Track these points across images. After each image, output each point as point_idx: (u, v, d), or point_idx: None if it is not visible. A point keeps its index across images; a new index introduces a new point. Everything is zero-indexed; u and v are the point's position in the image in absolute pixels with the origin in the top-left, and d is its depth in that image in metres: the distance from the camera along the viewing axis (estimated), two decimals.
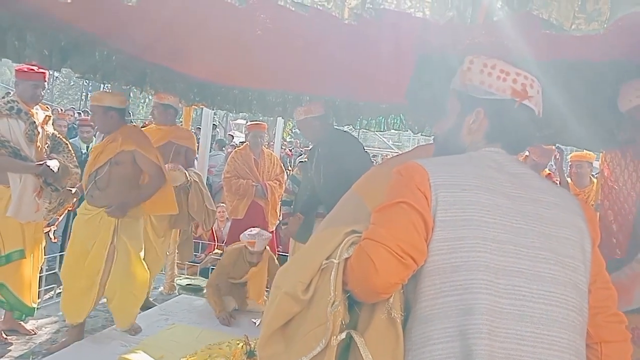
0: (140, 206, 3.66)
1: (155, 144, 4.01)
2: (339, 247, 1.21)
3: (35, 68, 3.42)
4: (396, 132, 5.61)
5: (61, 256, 4.85)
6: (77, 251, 3.48)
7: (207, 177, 6.71)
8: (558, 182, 4.58)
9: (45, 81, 3.58)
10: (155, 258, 4.36)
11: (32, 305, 3.57)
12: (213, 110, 5.27)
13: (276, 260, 4.57)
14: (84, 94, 27.22)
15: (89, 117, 5.30)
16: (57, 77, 27.32)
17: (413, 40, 2.13)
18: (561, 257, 1.17)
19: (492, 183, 1.19)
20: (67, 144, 3.80)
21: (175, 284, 5.08)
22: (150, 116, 4.23)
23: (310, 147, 4.22)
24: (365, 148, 3.97)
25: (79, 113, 11.16)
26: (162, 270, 4.85)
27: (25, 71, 3.43)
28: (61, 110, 9.21)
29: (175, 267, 5.11)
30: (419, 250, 1.13)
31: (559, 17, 1.23)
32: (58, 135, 3.77)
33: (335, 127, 4.13)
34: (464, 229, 1.13)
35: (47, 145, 3.60)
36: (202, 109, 5.40)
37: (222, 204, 6.07)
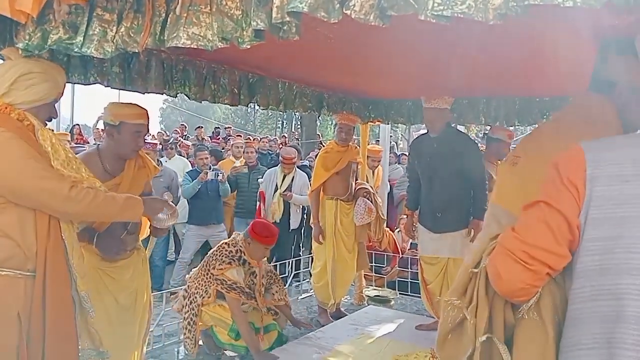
0: None
1: (341, 165, 4.43)
2: (483, 255, 1.25)
3: (270, 237, 3.64)
4: None
5: None
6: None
7: (390, 188, 6.86)
8: None
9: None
10: (348, 271, 4.65)
11: None
12: (388, 124, 5.40)
13: None
14: (279, 121, 30.08)
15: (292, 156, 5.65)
16: (257, 109, 30.57)
17: (588, 26, 1.94)
18: None
19: None
20: (279, 278, 4.05)
21: (364, 295, 5.28)
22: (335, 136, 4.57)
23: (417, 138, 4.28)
24: None
25: (275, 140, 12.36)
26: (352, 283, 5.08)
27: (263, 236, 3.62)
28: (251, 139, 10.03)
29: (363, 279, 5.30)
30: (554, 254, 1.07)
31: None
32: (274, 272, 4.05)
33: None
34: (619, 227, 1.01)
35: (262, 285, 3.84)
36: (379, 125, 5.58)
37: (404, 216, 6.11)
